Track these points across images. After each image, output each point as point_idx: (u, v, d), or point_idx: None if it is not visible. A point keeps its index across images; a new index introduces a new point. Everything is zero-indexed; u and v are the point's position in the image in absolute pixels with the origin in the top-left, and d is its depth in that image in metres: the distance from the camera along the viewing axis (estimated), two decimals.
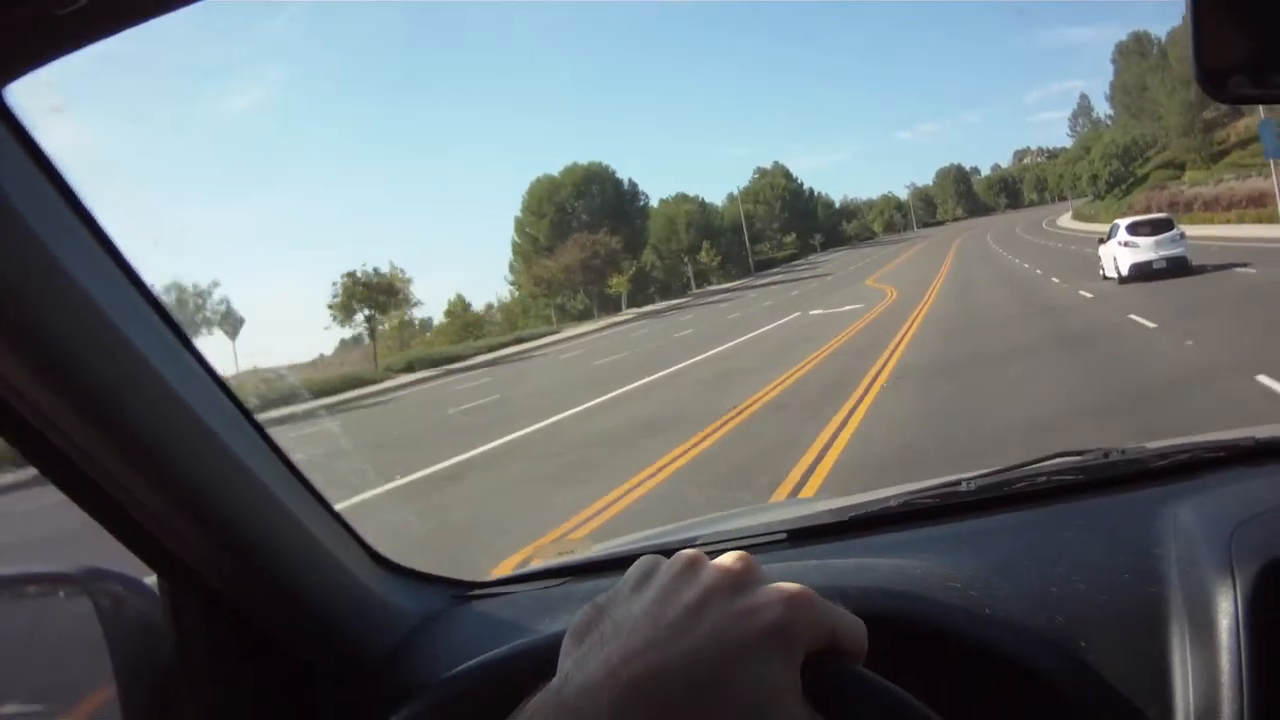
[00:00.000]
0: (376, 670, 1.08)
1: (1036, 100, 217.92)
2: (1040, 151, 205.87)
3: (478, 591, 1.26)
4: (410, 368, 29.34)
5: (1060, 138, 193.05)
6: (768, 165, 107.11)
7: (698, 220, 79.95)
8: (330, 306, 36.63)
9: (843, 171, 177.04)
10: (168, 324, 0.83)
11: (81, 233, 0.74)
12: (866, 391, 8.85)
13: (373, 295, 36.80)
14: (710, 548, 1.26)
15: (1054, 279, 13.87)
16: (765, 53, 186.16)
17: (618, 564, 1.25)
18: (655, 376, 13.65)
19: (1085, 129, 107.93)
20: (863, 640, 0.49)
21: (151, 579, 0.91)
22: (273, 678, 1.02)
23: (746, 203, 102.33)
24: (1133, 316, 10.07)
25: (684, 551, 0.55)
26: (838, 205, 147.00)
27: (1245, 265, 15.29)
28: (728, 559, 0.53)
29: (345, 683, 1.05)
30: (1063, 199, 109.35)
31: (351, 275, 38.03)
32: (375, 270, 37.62)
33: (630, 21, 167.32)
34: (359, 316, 37.00)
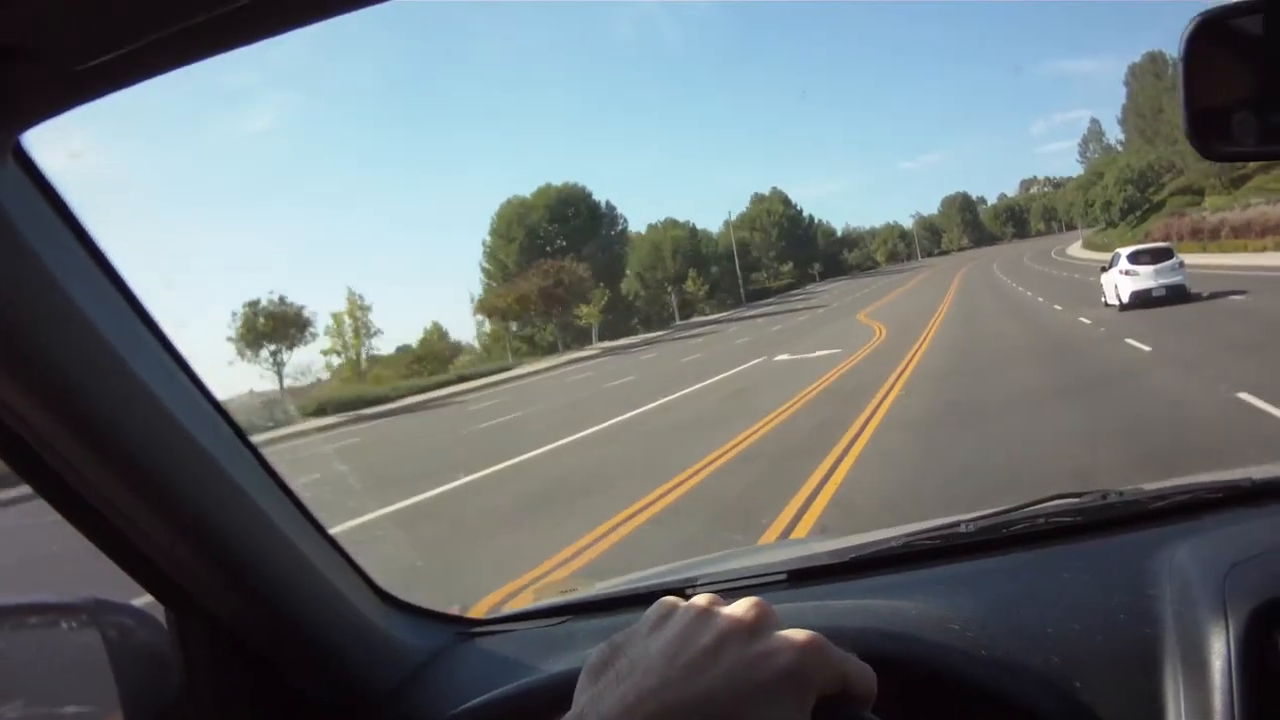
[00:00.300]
0: (380, 706, 1.09)
1: (1042, 131, 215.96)
2: (1047, 181, 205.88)
3: (480, 629, 1.28)
4: (322, 410, 26.08)
5: (1067, 167, 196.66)
6: (766, 191, 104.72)
7: (687, 247, 77.10)
8: (231, 339, 33.13)
9: (843, 201, 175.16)
10: (169, 352, 0.85)
11: (85, 260, 0.77)
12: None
13: (278, 327, 33.43)
14: (710, 588, 1.22)
15: (1057, 306, 13.00)
16: (764, 80, 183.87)
17: (619, 603, 1.30)
18: (489, 471, 10.47)
19: (1096, 155, 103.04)
20: (872, 686, 0.50)
21: (158, 611, 0.94)
22: (278, 711, 1.04)
23: (742, 230, 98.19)
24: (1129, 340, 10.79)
25: (701, 595, 0.54)
26: (839, 234, 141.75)
27: (1242, 293, 15.86)
28: (744, 605, 0.53)
29: (350, 717, 1.07)
30: (1071, 228, 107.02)
31: (253, 305, 35.02)
32: (281, 299, 34.43)
33: (631, 48, 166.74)
34: (264, 351, 34.00)
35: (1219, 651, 0.85)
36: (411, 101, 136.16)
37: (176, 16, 0.62)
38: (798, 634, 0.52)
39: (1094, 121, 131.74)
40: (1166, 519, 1.15)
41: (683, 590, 1.26)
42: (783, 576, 1.24)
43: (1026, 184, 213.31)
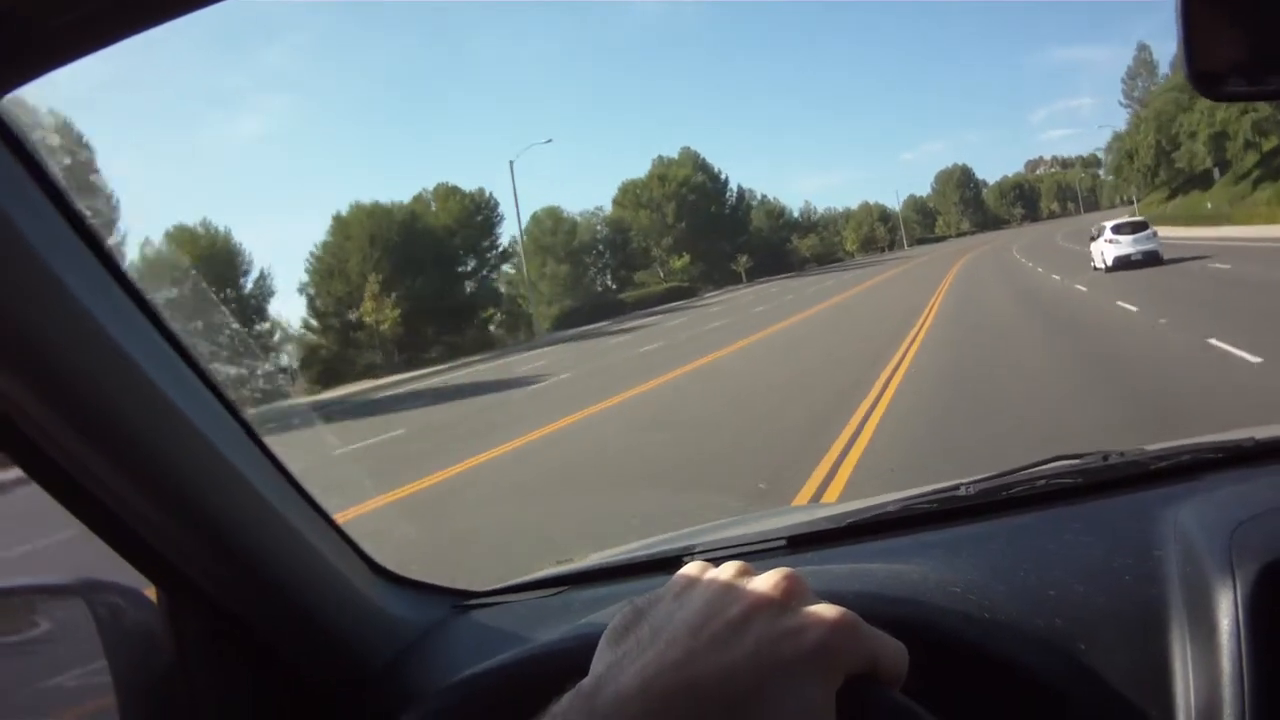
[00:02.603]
0: (376, 680, 1.12)
1: (1043, 118, 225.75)
2: (1055, 161, 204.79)
3: (476, 601, 1.33)
4: None
5: (1074, 149, 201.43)
6: (674, 154, 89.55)
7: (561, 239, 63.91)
8: None
9: (843, 193, 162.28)
10: (163, 333, 0.88)
11: (76, 242, 0.78)
12: None
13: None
14: (710, 555, 1.28)
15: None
16: (761, 73, 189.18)
17: (617, 572, 1.34)
18: None
19: (1149, 89, 59.30)
20: (903, 667, 0.50)
21: (150, 590, 0.98)
22: (272, 688, 1.06)
23: (625, 208, 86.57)
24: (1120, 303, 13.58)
25: (732, 563, 0.55)
26: (795, 215, 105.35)
27: (1207, 257, 20.63)
28: (775, 576, 0.53)
29: (345, 692, 1.09)
30: (1094, 209, 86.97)
31: None
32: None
33: (627, 45, 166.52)
34: None
35: (1226, 611, 0.87)
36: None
37: None
38: (829, 610, 0.52)
39: (1143, 47, 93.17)
40: (1168, 479, 1.19)
41: (679, 559, 1.29)
42: (782, 543, 1.28)
43: (1032, 164, 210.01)
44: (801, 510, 2.02)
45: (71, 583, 0.97)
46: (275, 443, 1.05)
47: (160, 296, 0.91)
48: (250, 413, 0.99)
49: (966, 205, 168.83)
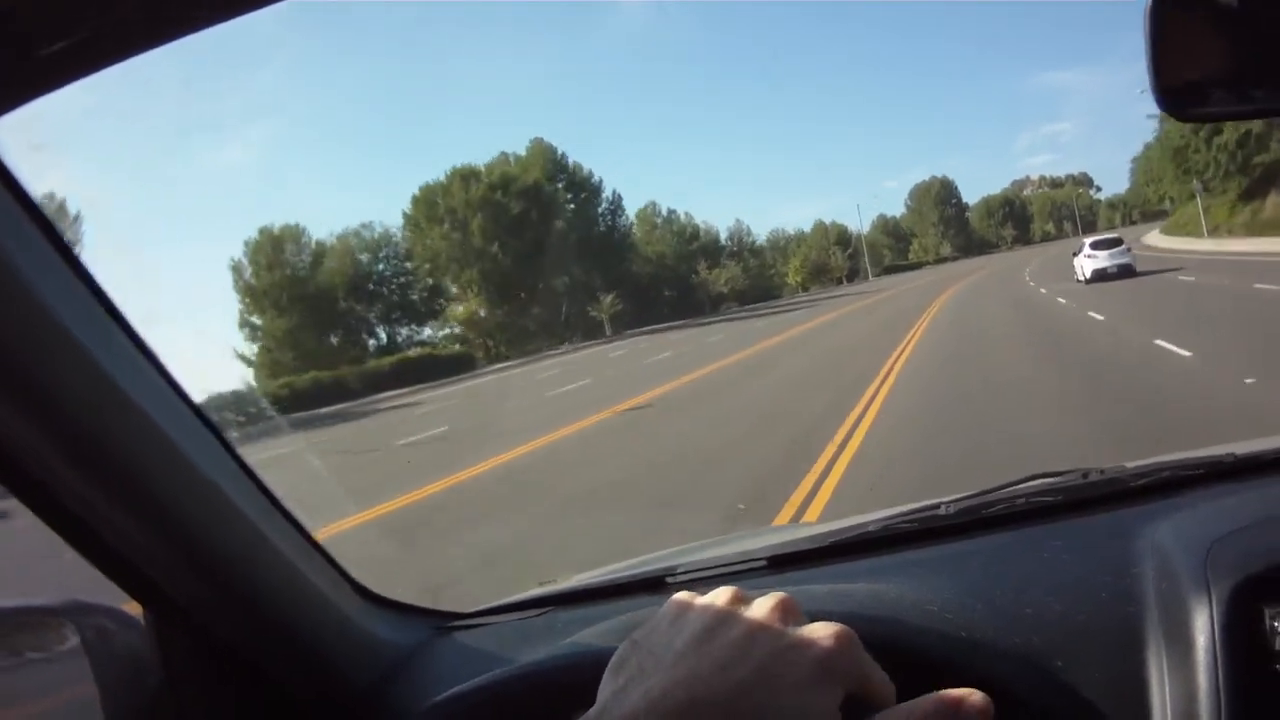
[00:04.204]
0: (361, 701, 1.22)
1: (1026, 144, 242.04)
2: (1043, 180, 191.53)
3: (459, 623, 1.45)
4: None
5: (1062, 169, 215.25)
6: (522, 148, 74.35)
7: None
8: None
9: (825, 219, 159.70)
10: (140, 348, 0.96)
11: (61, 267, 0.87)
12: None
13: None
14: (691, 576, 1.39)
15: None
16: (740, 101, 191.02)
17: (600, 594, 1.47)
18: None
19: None
20: (891, 695, 0.58)
21: (138, 611, 1.09)
22: (258, 709, 1.15)
23: (417, 226, 67.65)
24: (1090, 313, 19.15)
25: (724, 589, 0.62)
26: (720, 238, 73.45)
27: (1178, 269, 27.82)
28: (771, 599, 0.60)
29: (330, 713, 1.19)
30: (1092, 228, 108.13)
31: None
32: None
33: (613, 59, 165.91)
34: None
35: (1203, 628, 0.92)
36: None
37: None
38: (827, 626, 0.58)
39: None
40: (1147, 496, 1.29)
41: (662, 579, 1.42)
42: (763, 563, 1.38)
43: (1019, 185, 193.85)
44: (783, 530, 2.34)
45: (59, 604, 1.06)
46: None
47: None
48: (234, 434, 1.11)
49: (948, 225, 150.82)
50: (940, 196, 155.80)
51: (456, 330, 66.14)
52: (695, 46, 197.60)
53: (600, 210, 78.64)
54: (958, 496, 1.40)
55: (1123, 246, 31.15)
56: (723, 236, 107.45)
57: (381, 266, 67.96)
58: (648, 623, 0.62)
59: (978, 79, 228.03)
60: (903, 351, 19.36)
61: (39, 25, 0.66)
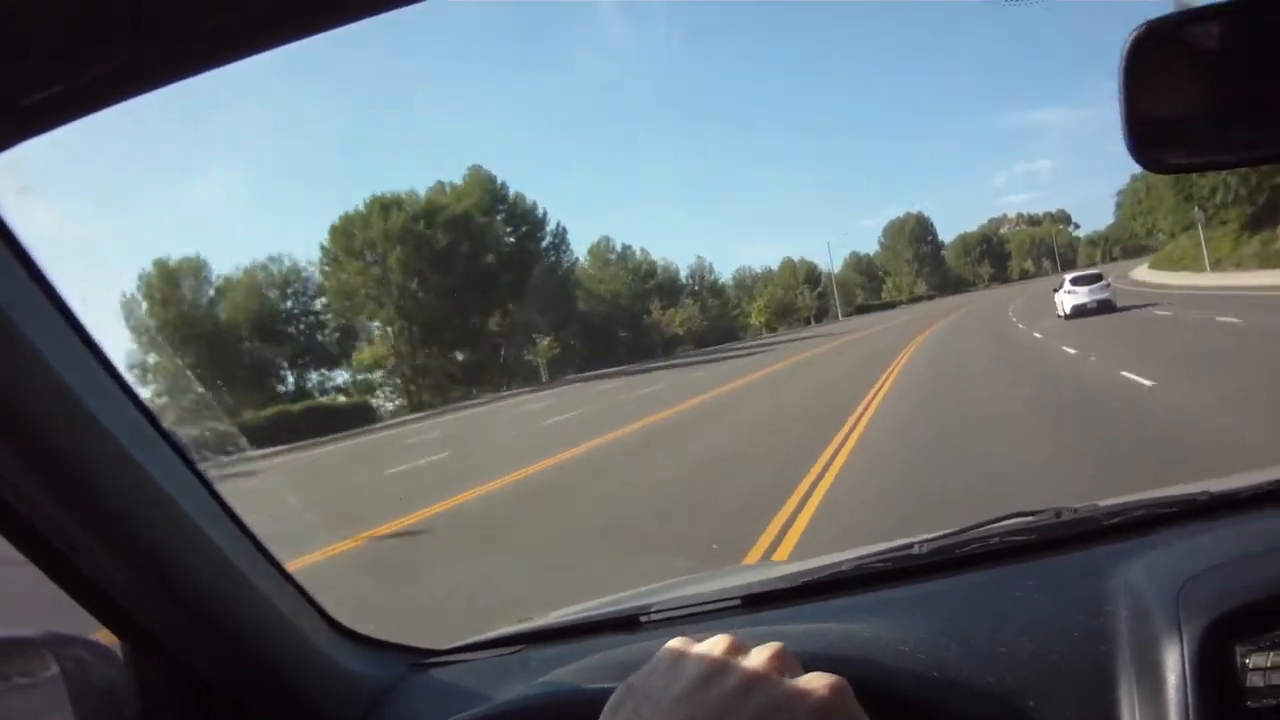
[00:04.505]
0: None
1: (1003, 182, 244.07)
2: (1020, 218, 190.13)
3: (435, 659, 1.48)
4: None
5: (1040, 207, 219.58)
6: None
7: None
8: None
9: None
10: (119, 383, 1.01)
11: (42, 302, 0.92)
12: None
13: None
14: (666, 614, 1.44)
15: None
16: (709, 140, 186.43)
17: (575, 631, 1.50)
18: None
19: None
20: None
21: (115, 644, 1.13)
22: None
23: (335, 261, 61.41)
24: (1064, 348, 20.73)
25: (721, 637, 0.64)
26: (678, 275, 67.54)
27: (1155, 304, 30.61)
28: (767, 649, 0.62)
29: None
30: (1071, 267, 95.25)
31: None
32: None
33: (576, 118, 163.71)
34: None
35: (1174, 667, 0.95)
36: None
37: (116, 52, 0.70)
38: (823, 677, 0.60)
39: None
40: (1121, 535, 1.32)
41: (636, 618, 1.46)
42: (737, 602, 1.41)
43: (996, 224, 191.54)
44: (757, 569, 2.22)
45: (38, 635, 1.09)
46: None
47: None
48: (212, 472, 1.15)
49: (923, 263, 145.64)
50: (915, 234, 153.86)
51: (377, 375, 61.11)
52: (666, 85, 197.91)
53: (544, 245, 72.88)
54: (931, 536, 1.42)
55: (1103, 282, 33.03)
56: (683, 274, 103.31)
57: (290, 304, 62.16)
58: (644, 667, 0.63)
59: (955, 118, 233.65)
60: (869, 395, 17.81)
61: (22, 77, 0.71)
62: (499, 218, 68.78)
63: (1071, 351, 19.63)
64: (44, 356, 0.89)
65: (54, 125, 0.77)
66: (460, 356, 62.31)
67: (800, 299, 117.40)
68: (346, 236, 61.29)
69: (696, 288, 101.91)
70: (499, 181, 69.97)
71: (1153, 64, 0.85)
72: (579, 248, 78.94)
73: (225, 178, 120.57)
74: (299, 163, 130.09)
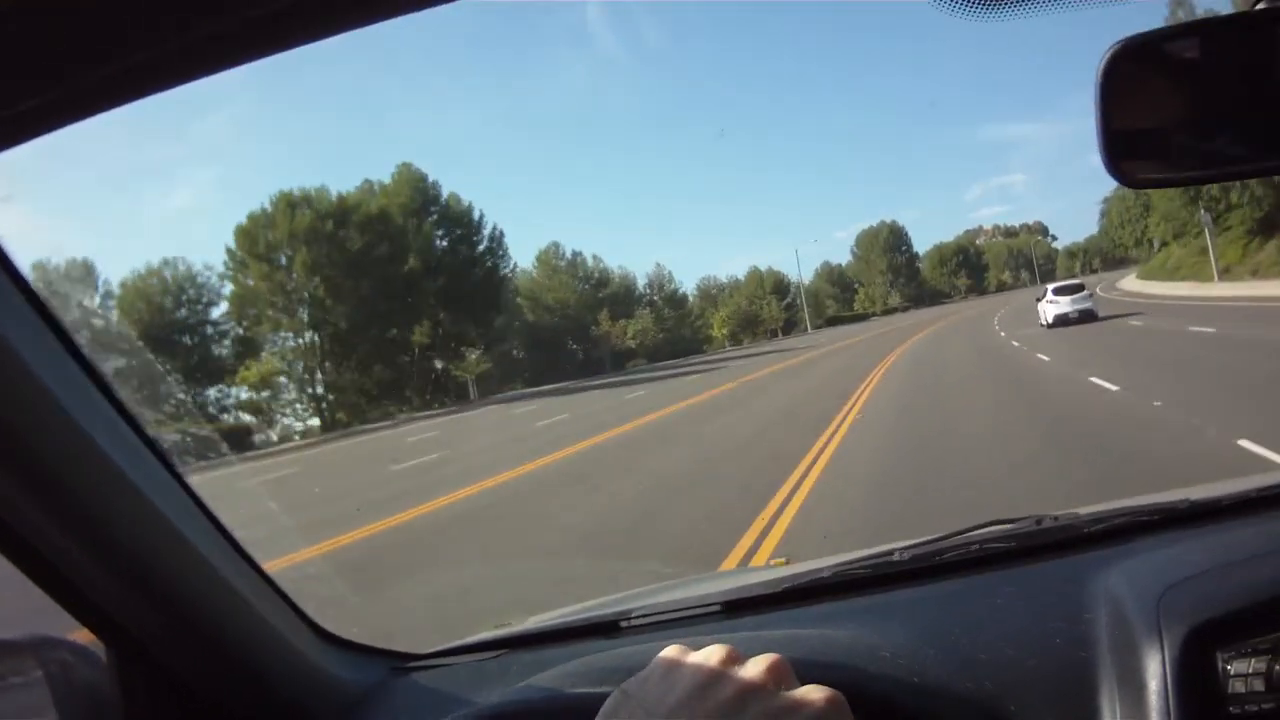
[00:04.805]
0: None
1: (977, 196, 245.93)
2: (996, 230, 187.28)
3: (416, 663, 1.51)
4: None
5: (1016, 219, 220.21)
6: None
7: None
8: None
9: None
10: (101, 389, 1.03)
11: (26, 309, 0.95)
12: None
13: None
14: (646, 620, 1.46)
15: None
16: (679, 151, 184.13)
17: (556, 636, 1.53)
18: None
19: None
20: None
21: (100, 647, 1.16)
22: None
23: (242, 262, 56.37)
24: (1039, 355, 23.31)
25: (717, 647, 0.64)
26: (640, 284, 63.34)
27: (1139, 314, 34.02)
28: (764, 660, 0.63)
29: None
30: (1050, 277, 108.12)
31: None
32: None
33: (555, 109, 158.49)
34: None
35: (1155, 673, 0.98)
36: None
37: (92, 63, 0.71)
38: (818, 690, 0.60)
39: None
40: (1101, 543, 1.35)
41: (617, 623, 1.48)
42: (717, 608, 1.43)
43: (972, 235, 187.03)
44: (737, 574, 2.40)
45: (23, 639, 1.11)
46: None
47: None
48: (194, 479, 1.18)
49: (897, 274, 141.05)
50: (889, 243, 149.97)
51: (264, 395, 56.02)
52: (636, 96, 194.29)
53: (480, 250, 66.18)
54: (912, 543, 1.44)
55: (1084, 292, 34.09)
56: (641, 283, 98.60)
57: (184, 313, 56.35)
58: (639, 674, 0.63)
59: (929, 131, 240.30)
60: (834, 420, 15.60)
61: (18, 81, 0.73)
62: (430, 220, 63.14)
63: (1045, 359, 21.50)
64: (24, 360, 0.90)
65: (40, 133, 0.77)
66: (379, 372, 55.80)
67: (766, 310, 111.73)
68: (252, 238, 55.36)
69: (655, 297, 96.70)
70: (430, 180, 65.01)
71: (1128, 81, 0.86)
72: (528, 255, 73.56)
73: (116, 171, 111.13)
74: (211, 157, 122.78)
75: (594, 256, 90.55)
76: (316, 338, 55.70)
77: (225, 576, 1.13)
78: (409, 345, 57.82)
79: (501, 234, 69.22)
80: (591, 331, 77.34)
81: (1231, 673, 0.94)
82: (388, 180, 62.05)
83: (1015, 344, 27.65)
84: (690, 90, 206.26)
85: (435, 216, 64.25)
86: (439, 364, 59.14)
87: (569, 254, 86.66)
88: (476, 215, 66.75)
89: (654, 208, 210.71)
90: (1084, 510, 1.44)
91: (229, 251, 57.08)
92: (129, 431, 1.03)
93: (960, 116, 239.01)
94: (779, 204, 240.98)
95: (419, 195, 62.55)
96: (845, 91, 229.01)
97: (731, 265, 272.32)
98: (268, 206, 54.86)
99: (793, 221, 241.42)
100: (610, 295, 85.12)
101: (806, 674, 0.77)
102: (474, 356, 59.03)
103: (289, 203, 55.20)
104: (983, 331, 39.71)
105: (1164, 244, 62.99)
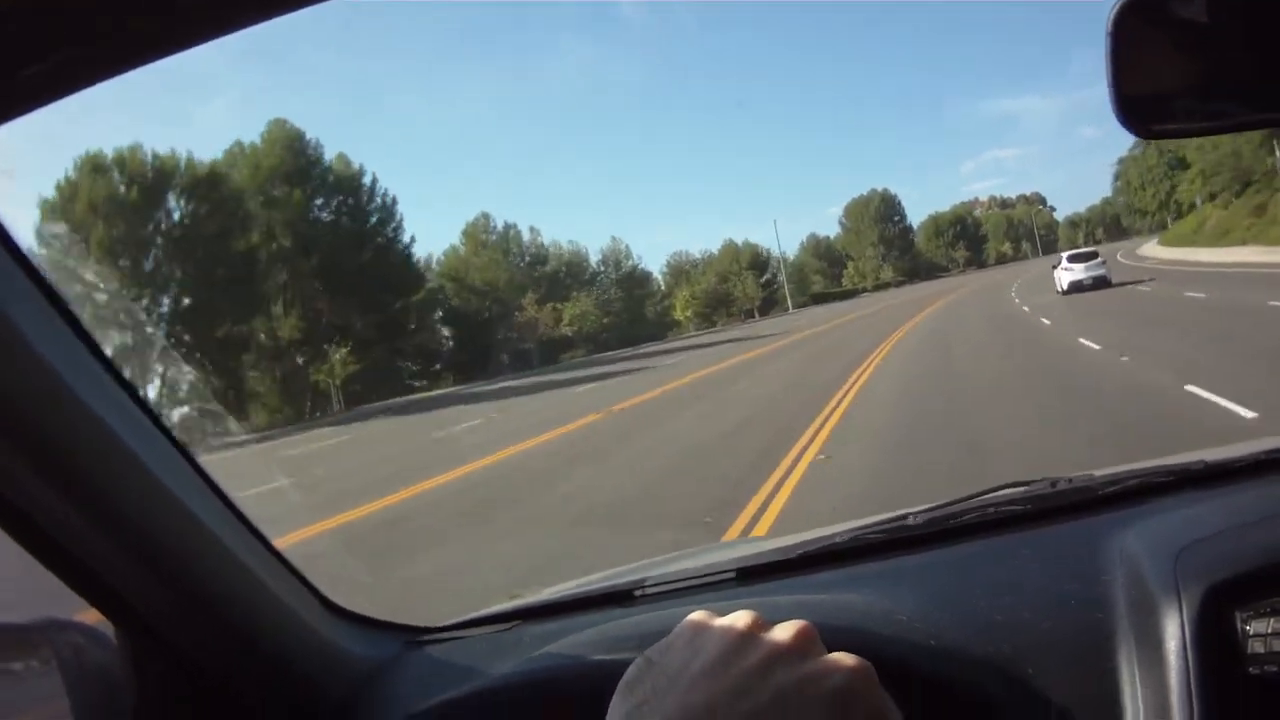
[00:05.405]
0: (333, 716, 1.28)
1: (971, 170, 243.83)
2: (993, 201, 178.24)
3: (429, 636, 1.53)
4: None
5: (1012, 192, 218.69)
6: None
7: None
8: None
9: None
10: (106, 366, 1.04)
11: (25, 283, 0.94)
12: None
13: None
14: (660, 589, 1.46)
15: None
16: (682, 126, 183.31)
17: (571, 607, 1.56)
18: None
19: None
20: None
21: (111, 629, 1.18)
22: None
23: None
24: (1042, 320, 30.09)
25: (743, 612, 0.65)
26: (594, 260, 54.47)
27: (1150, 280, 40.54)
28: (790, 626, 0.63)
29: None
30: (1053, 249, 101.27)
31: None
32: None
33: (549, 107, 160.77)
34: None
35: (1173, 634, 1.00)
36: None
37: (79, 35, 0.72)
38: (846, 658, 0.61)
39: None
40: (1116, 504, 1.38)
41: (631, 593, 1.50)
42: (731, 575, 1.46)
43: (968, 206, 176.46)
44: (750, 542, 2.43)
45: (34, 622, 1.14)
46: None
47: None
48: (203, 457, 1.21)
49: (889, 246, 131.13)
50: (880, 213, 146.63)
51: None
52: (622, 65, 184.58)
53: (372, 223, 55.52)
54: (926, 507, 1.45)
55: (1098, 259, 36.83)
56: (594, 259, 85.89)
57: None
58: (662, 641, 0.63)
59: (921, 106, 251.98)
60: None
61: (19, 48, 0.72)
62: (308, 187, 51.36)
63: (1047, 323, 24.61)
64: (28, 338, 0.91)
65: (53, 98, 0.76)
66: (211, 374, 44.66)
67: (741, 287, 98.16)
68: (56, 211, 43.53)
69: (612, 276, 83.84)
70: (309, 139, 53.57)
71: (1141, 26, 0.85)
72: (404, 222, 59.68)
73: None
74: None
75: (530, 229, 79.57)
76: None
77: (234, 552, 1.13)
78: (258, 345, 47.19)
79: (394, 200, 59.27)
80: (516, 318, 64.14)
81: (1250, 633, 0.95)
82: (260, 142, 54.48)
83: (1025, 309, 32.45)
84: (673, 64, 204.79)
85: (315, 183, 53.01)
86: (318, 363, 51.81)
87: (499, 225, 75.38)
88: (369, 181, 56.29)
89: (629, 186, 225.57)
90: (1098, 472, 1.45)
91: (36, 231, 45.72)
92: (135, 409, 1.03)
93: (953, 91, 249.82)
94: (765, 183, 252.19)
95: (293, 157, 51.60)
96: (833, 65, 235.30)
97: (712, 243, 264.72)
98: (73, 174, 45.70)
99: (778, 199, 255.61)
100: (549, 275, 73.35)
101: (823, 639, 0.78)
102: (337, 356, 47.07)
103: (95, 166, 44.13)
104: (1015, 315, 35.14)
105: (1192, 206, 55.36)
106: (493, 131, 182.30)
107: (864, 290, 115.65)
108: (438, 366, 59.97)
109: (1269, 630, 0.92)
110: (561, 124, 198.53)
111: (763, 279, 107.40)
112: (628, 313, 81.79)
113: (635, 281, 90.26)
